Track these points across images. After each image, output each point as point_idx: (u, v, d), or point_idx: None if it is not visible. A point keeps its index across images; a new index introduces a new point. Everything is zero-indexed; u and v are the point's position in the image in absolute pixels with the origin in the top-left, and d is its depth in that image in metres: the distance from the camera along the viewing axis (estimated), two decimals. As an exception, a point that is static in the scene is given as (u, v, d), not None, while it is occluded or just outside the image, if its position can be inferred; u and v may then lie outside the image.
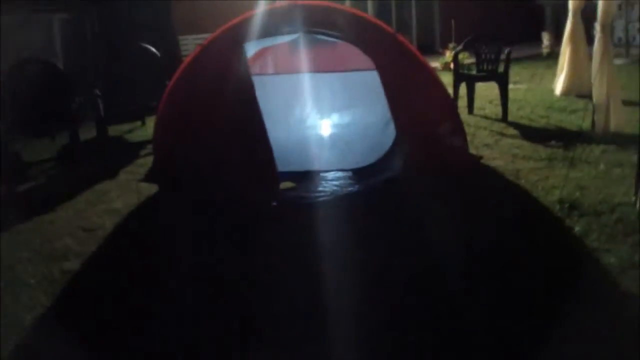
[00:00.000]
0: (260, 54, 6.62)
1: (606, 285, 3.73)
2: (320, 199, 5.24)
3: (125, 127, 8.83)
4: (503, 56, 8.17)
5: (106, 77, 7.94)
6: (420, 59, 5.41)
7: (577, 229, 4.49)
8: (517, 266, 4.02)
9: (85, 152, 7.76)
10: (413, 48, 5.44)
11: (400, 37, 5.38)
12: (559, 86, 9.42)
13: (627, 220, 4.57)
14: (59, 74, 7.54)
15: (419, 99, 5.20)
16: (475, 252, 4.21)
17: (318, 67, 6.98)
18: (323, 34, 5.49)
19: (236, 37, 5.36)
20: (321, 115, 7.47)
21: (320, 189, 5.61)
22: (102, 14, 10.95)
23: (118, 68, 7.99)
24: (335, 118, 7.46)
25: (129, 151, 7.75)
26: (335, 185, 5.65)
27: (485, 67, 8.38)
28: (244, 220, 4.85)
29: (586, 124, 7.33)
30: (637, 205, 4.76)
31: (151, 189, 5.86)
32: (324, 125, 7.44)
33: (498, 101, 8.44)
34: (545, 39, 13.78)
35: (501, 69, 8.16)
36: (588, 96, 8.89)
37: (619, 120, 6.94)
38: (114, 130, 8.54)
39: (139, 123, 8.99)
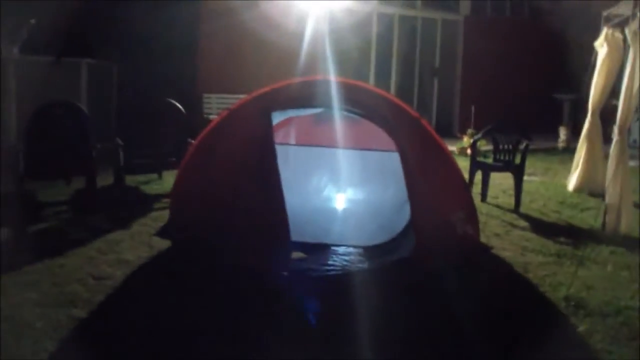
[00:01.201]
0: (285, 123, 6.78)
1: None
2: (330, 272, 5.27)
3: (142, 178, 8.96)
4: (521, 147, 8.30)
5: (129, 127, 8.08)
6: (441, 145, 5.54)
7: (581, 328, 4.51)
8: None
9: (101, 199, 7.85)
10: (434, 133, 5.55)
11: (424, 122, 5.51)
12: (572, 182, 9.52)
13: (632, 324, 4.59)
14: (83, 118, 7.69)
15: (436, 185, 5.31)
16: (478, 342, 4.25)
17: (339, 143, 7.13)
18: (349, 110, 5.63)
19: (265, 105, 5.51)
20: (337, 189, 7.59)
21: (330, 262, 5.66)
22: (128, 64, 11.28)
23: (142, 119, 8.13)
24: (350, 193, 7.58)
25: (144, 203, 7.85)
26: (346, 260, 5.69)
27: (502, 157, 8.50)
28: (253, 286, 4.90)
29: (597, 223, 7.40)
30: (644, 310, 4.79)
31: (163, 243, 5.94)
32: (339, 199, 7.55)
33: (511, 191, 8.55)
34: (562, 133, 13.97)
35: (518, 160, 8.27)
36: (600, 194, 9.03)
37: (629, 222, 7.01)
38: (130, 180, 8.65)
39: (155, 176, 9.13)
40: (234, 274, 5.03)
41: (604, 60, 8.91)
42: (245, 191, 5.29)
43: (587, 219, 7.71)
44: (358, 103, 5.48)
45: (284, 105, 5.68)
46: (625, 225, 6.98)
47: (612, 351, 4.17)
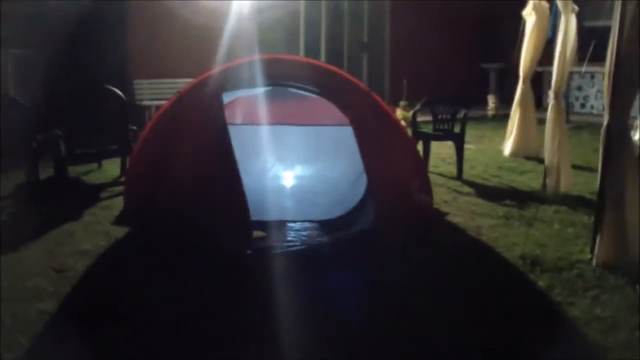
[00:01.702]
0: (230, 103, 6.75)
1: (574, 335, 3.97)
2: (292, 248, 5.33)
3: (82, 169, 8.74)
4: (459, 116, 8.53)
5: (67, 117, 7.85)
6: (393, 116, 5.66)
7: (540, 283, 4.74)
8: (487, 315, 4.22)
9: (45, 191, 7.67)
10: (385, 105, 5.66)
11: (374, 95, 5.61)
12: (507, 147, 9.83)
13: (586, 276, 4.87)
14: (20, 110, 7.45)
15: (391, 155, 5.41)
16: (446, 304, 4.43)
17: (287, 120, 7.15)
18: (301, 88, 5.66)
19: (215, 87, 5.50)
20: (285, 167, 7.63)
21: (289, 238, 5.73)
22: (49, 52, 10.90)
23: (81, 108, 7.92)
24: (298, 170, 7.62)
25: (89, 193, 7.69)
26: (304, 236, 5.77)
27: (441, 126, 8.70)
28: (218, 267, 4.91)
29: (537, 185, 7.71)
30: (594, 263, 5.04)
31: (119, 232, 5.87)
32: (287, 176, 7.59)
33: (450, 159, 8.81)
34: (491, 101, 14.32)
35: (457, 129, 8.49)
36: (535, 158, 9.42)
37: (568, 182, 7.31)
38: (69, 171, 8.44)
39: (94, 166, 8.95)
40: (197, 257, 5.04)
41: (532, 29, 9.25)
42: (202, 174, 5.28)
43: (527, 182, 8.03)
44: (310, 80, 5.53)
45: (234, 86, 5.67)
46: (565, 185, 7.28)
47: (573, 302, 4.40)
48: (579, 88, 14.00)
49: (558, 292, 4.59)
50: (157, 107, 12.03)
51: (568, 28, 7.10)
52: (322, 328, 4.08)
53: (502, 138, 11.11)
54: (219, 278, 4.79)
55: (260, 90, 6.18)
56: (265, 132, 7.13)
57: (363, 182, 5.96)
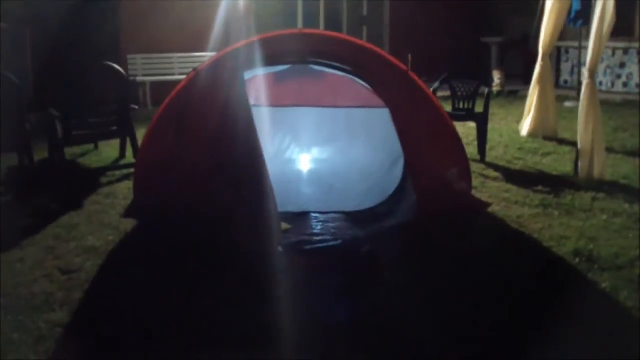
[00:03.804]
0: (248, 82, 6.20)
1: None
2: (326, 244, 4.84)
3: (77, 150, 8.20)
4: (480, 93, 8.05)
5: (63, 96, 7.25)
6: (432, 98, 5.15)
7: (604, 285, 4.30)
8: (561, 328, 3.76)
9: (40, 177, 7.10)
10: (424, 85, 5.15)
11: (412, 74, 5.09)
12: (525, 127, 9.37)
13: (651, 275, 4.42)
14: (13, 88, 6.82)
15: (431, 141, 4.92)
16: (507, 308, 3.98)
17: (311, 101, 6.61)
18: (330, 66, 5.15)
19: (235, 64, 4.97)
20: (310, 153, 7.10)
21: (316, 231, 5.25)
22: (42, 27, 10.31)
23: (78, 86, 7.31)
24: (330, 155, 7.00)
25: (88, 178, 7.15)
26: (333, 229, 5.29)
27: (461, 105, 8.21)
28: (248, 266, 4.41)
29: (564, 168, 7.27)
30: (656, 260, 4.62)
31: (129, 224, 5.36)
32: (304, 160, 7.06)
33: (467, 139, 8.30)
34: (497, 77, 13.83)
35: (479, 108, 8.02)
36: (554, 138, 8.99)
37: (602, 167, 6.87)
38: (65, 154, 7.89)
39: (90, 147, 8.40)
40: (221, 255, 4.53)
41: (553, 5, 8.75)
42: (223, 160, 4.77)
43: (554, 165, 7.58)
44: (342, 58, 5.01)
45: (257, 63, 5.14)
46: (598, 170, 6.84)
47: (646, 308, 3.96)
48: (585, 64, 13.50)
49: (626, 295, 4.13)
50: (152, 83, 11.50)
51: (606, 3, 6.60)
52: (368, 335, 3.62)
53: (514, 116, 10.73)
54: (249, 281, 4.27)
55: (283, 68, 5.63)
56: (286, 114, 6.59)
57: (399, 168, 5.48)
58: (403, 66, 5.12)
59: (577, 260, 4.70)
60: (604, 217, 5.65)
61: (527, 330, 3.72)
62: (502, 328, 3.76)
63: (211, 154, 4.77)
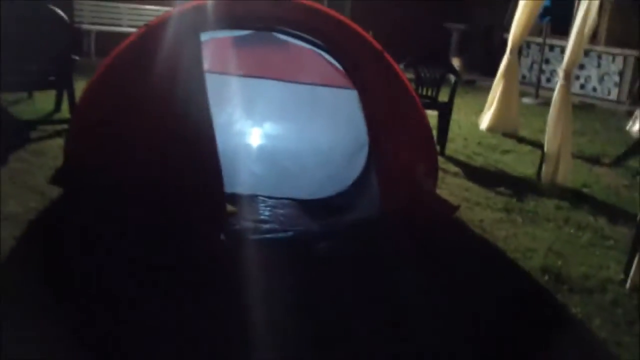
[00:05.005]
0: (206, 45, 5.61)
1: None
2: (277, 235, 4.35)
3: (8, 97, 7.47)
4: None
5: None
6: (407, 85, 4.68)
7: (574, 310, 3.95)
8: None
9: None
10: (399, 70, 4.67)
11: (388, 56, 4.60)
12: (485, 121, 9.06)
13: (623, 303, 4.12)
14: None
15: (402, 131, 4.45)
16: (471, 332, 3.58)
17: (271, 73, 6.02)
18: (297, 37, 4.61)
19: (193, 24, 4.38)
20: (265, 128, 6.53)
21: (263, 217, 4.75)
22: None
23: (13, 29, 6.56)
24: (285, 133, 6.38)
25: (17, 130, 6.46)
26: (282, 216, 4.80)
27: (425, 92, 7.78)
28: (186, 253, 3.89)
29: (525, 169, 6.99)
30: (627, 286, 4.31)
31: (54, 189, 4.75)
32: (268, 138, 6.45)
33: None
34: (455, 65, 13.49)
35: (443, 97, 7.62)
36: (513, 136, 8.70)
37: (566, 173, 6.57)
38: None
39: (23, 95, 7.68)
40: (158, 236, 3.99)
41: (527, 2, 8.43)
42: (169, 127, 4.20)
43: (514, 165, 7.30)
44: (313, 30, 4.48)
45: (216, 25, 4.58)
46: (562, 176, 6.55)
47: (620, 342, 3.63)
48: (547, 61, 13.30)
49: (599, 324, 3.80)
50: (98, 33, 10.71)
51: (591, 3, 6.24)
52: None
53: (472, 107, 10.44)
54: (185, 272, 3.76)
55: (244, 33, 5.07)
56: (241, 84, 5.99)
57: (362, 157, 5.02)
58: (378, 46, 4.62)
59: (546, 277, 4.34)
60: (570, 230, 5.35)
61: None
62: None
63: (156, 122, 4.19)
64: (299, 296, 3.65)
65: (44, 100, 7.43)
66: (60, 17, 6.64)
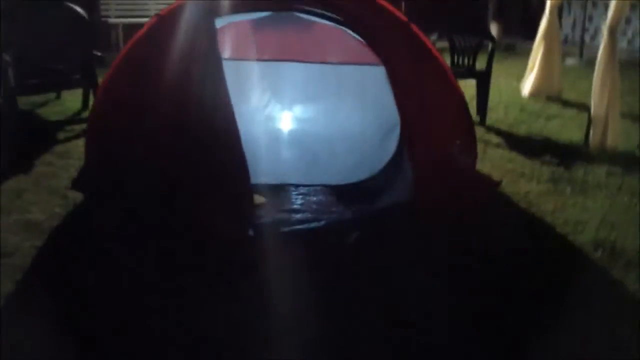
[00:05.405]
0: (221, 30, 5.38)
1: None
2: (309, 225, 4.14)
3: (37, 99, 7.40)
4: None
5: (17, 39, 6.40)
6: (437, 57, 4.38)
7: (633, 287, 3.63)
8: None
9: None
10: (428, 41, 4.37)
11: (414, 27, 4.32)
12: (527, 86, 8.67)
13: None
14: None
15: (434, 107, 4.17)
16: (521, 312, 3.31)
17: (293, 55, 5.80)
18: (317, 14, 4.36)
19: (207, 9, 4.17)
20: (295, 111, 6.28)
21: (296, 206, 4.54)
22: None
23: (33, 30, 6.46)
24: (315, 115, 6.12)
25: (43, 132, 6.38)
26: (315, 204, 4.58)
27: (461, 61, 7.44)
28: (214, 255, 3.71)
29: (571, 135, 6.61)
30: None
31: (77, 193, 4.60)
32: (299, 122, 6.20)
33: (467, 100, 7.55)
34: (493, 30, 13.06)
35: (481, 65, 7.28)
36: (558, 99, 8.29)
37: (616, 136, 6.19)
38: (22, 102, 7.03)
39: (52, 96, 7.60)
40: (183, 241, 3.81)
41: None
42: (187, 118, 4.01)
43: (560, 131, 6.92)
44: (332, 6, 4.21)
45: (232, 9, 4.35)
46: (612, 139, 6.17)
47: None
48: (590, 19, 12.73)
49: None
50: (126, 27, 10.59)
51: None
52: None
53: (513, 73, 9.99)
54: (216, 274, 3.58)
55: (263, 15, 4.84)
56: (265, 69, 5.77)
57: (395, 138, 4.76)
58: (403, 17, 4.34)
59: (597, 252, 4.03)
60: (624, 198, 5.00)
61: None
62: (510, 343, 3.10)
63: (173, 118, 4.00)
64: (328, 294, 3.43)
65: (72, 100, 7.33)
66: (77, 13, 6.51)
